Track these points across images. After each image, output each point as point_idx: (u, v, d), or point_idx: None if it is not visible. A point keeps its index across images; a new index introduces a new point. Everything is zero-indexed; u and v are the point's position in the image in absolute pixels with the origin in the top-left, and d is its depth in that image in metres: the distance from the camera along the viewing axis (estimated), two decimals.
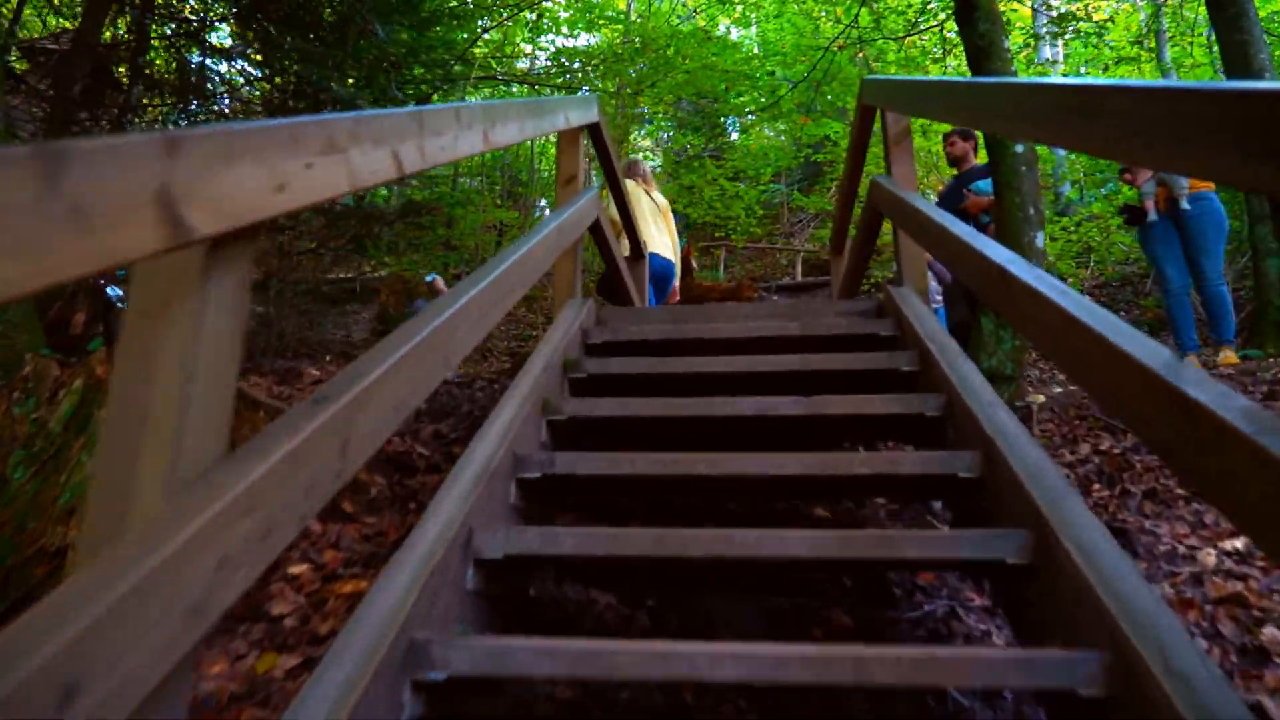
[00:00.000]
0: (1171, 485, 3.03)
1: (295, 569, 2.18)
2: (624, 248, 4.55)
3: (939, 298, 5.81)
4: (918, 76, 3.00)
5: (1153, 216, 5.23)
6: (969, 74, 5.64)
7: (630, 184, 4.88)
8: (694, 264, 6.63)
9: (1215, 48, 10.38)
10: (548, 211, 15.33)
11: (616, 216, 4.35)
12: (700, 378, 2.47)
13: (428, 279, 8.00)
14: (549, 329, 2.78)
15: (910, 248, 3.11)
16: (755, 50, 15.22)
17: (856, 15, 7.59)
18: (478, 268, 1.92)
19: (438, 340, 1.52)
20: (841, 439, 2.60)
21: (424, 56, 5.10)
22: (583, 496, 2.34)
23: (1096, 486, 3.15)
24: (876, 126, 3.82)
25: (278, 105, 5.41)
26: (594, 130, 3.59)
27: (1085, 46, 8.49)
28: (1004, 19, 4.76)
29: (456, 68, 12.44)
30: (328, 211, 4.65)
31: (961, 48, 10.76)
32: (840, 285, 4.42)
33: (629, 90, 13.03)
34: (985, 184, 5.31)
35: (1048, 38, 7.30)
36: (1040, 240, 4.41)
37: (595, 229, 3.51)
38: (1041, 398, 4.38)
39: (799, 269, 15.13)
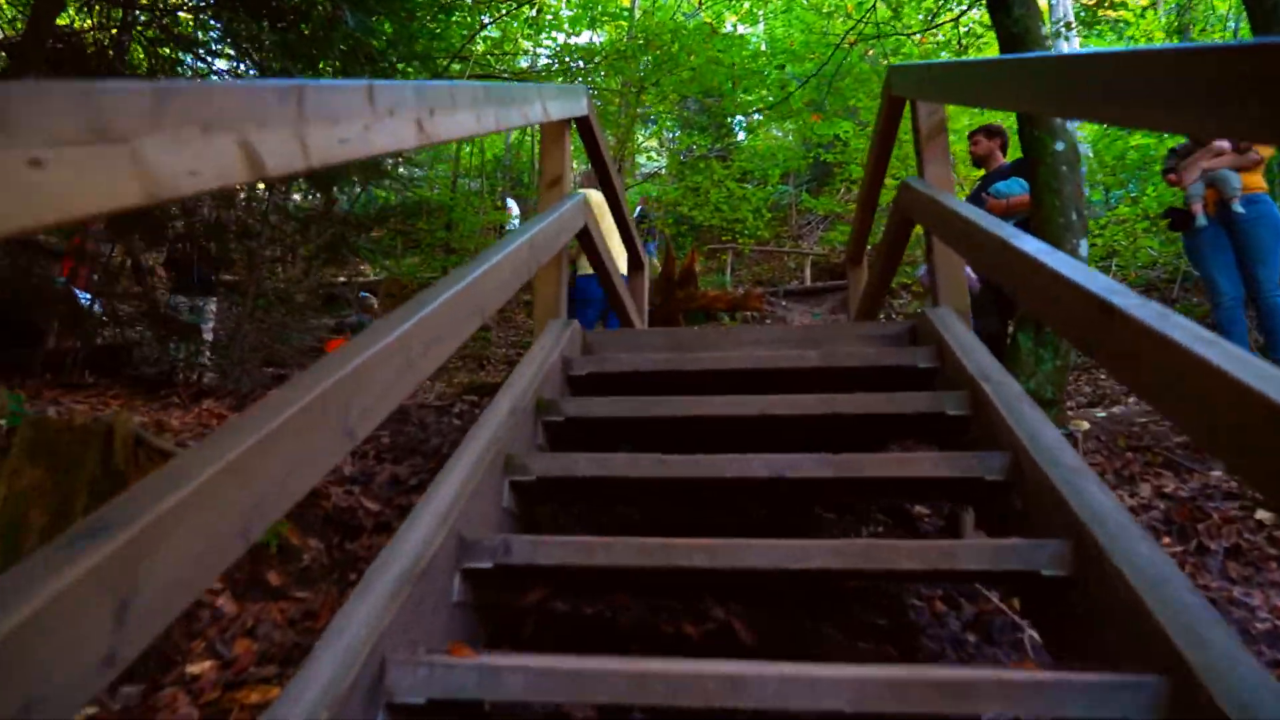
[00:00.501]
0: (1259, 542, 2.58)
1: (196, 666, 1.75)
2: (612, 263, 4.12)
3: None
4: (960, 58, 2.56)
5: (1201, 221, 4.76)
6: None
7: (596, 195, 4.62)
8: (697, 271, 6.18)
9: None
10: (513, 208, 14.74)
11: (611, 223, 3.92)
12: (702, 424, 2.03)
13: (361, 295, 7.68)
14: (525, 356, 2.35)
15: (948, 260, 2.67)
16: (763, 47, 14.76)
17: (874, 6, 7.12)
18: (411, 297, 1.49)
19: (330, 403, 1.09)
20: (877, 501, 2.16)
21: (404, 49, 4.67)
22: (550, 583, 1.90)
23: (1166, 540, 2.70)
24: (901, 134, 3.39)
25: None
26: (583, 125, 3.16)
27: (1120, 38, 8.02)
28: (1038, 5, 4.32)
29: (455, 66, 12.04)
30: (296, 217, 4.25)
31: (977, 45, 10.28)
32: (860, 302, 3.97)
33: (633, 89, 12.60)
34: (1006, 185, 4.86)
35: (1072, 29, 6.85)
36: (1084, 248, 3.97)
37: (584, 237, 3.08)
38: (1085, 424, 3.92)
39: (808, 272, 14.65)
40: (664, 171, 16.16)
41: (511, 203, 15.17)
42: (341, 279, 16.03)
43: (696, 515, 2.55)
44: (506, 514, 1.77)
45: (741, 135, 16.98)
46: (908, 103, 2.99)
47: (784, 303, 13.14)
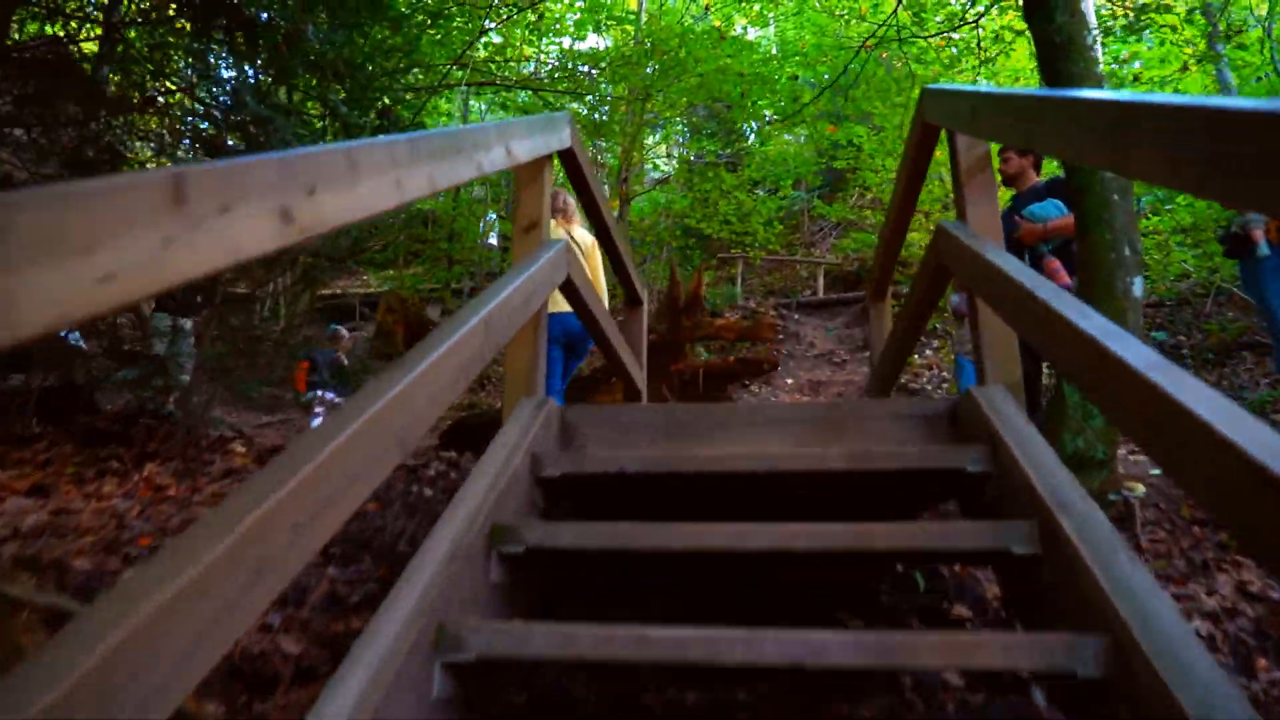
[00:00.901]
0: None
1: None
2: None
3: None
4: (1014, 89, 2.09)
5: (1264, 250, 4.29)
6: (1037, 79, 4.72)
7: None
8: (704, 296, 5.75)
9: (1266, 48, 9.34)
10: (495, 221, 14.20)
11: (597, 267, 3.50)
12: (699, 563, 1.60)
13: (330, 328, 7.05)
14: (485, 454, 1.92)
15: (995, 326, 2.22)
16: (773, 51, 14.29)
17: (896, 9, 6.64)
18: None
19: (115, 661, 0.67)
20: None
21: (380, 64, 4.26)
22: None
23: (1263, 663, 2.25)
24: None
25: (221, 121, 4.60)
26: (566, 157, 2.74)
27: (1162, 44, 7.52)
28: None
29: (456, 73, 11.65)
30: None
31: (1006, 50, 9.73)
32: (883, 354, 3.52)
33: (638, 97, 12.15)
34: (1042, 207, 4.39)
35: (1108, 33, 6.36)
36: (1138, 288, 3.52)
37: (568, 290, 2.66)
38: (1141, 487, 3.46)
39: (821, 282, 14.21)
40: (672, 180, 15.71)
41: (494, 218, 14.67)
42: (340, 291, 15.74)
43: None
44: (439, 708, 1.34)
45: (752, 138, 16.52)
46: (943, 131, 2.56)
47: (796, 316, 12.69)
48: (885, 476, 1.87)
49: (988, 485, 1.86)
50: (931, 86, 2.56)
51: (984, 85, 7.29)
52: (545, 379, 4.56)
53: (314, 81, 4.23)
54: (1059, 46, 3.78)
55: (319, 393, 6.33)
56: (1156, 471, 3.95)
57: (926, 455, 1.88)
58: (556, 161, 2.72)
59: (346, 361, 6.98)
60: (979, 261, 2.11)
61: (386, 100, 4.50)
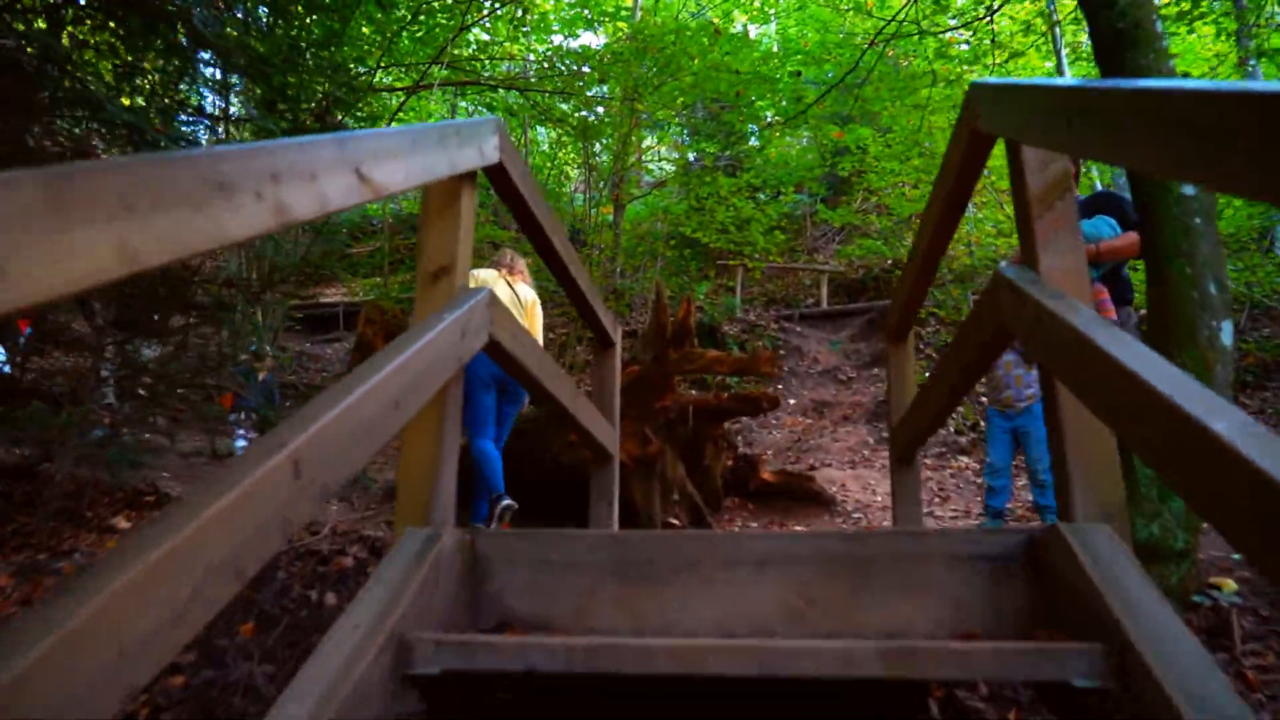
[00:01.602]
0: None
1: None
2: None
3: (1033, 389, 4.18)
4: (1122, 81, 1.51)
5: None
6: (1092, 73, 3.99)
7: (488, 274, 4.15)
8: (695, 319, 5.07)
9: None
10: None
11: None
12: None
13: (250, 348, 6.22)
14: (325, 637, 1.24)
15: (1090, 431, 1.54)
16: (774, 49, 13.58)
17: (910, 1, 5.94)
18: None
19: None
20: None
21: (313, 58, 3.57)
22: None
23: None
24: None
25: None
26: (496, 175, 2.06)
27: (1218, 34, 6.85)
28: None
29: (439, 71, 10.97)
30: (167, 276, 3.19)
31: (1037, 46, 9.02)
32: (904, 417, 2.82)
33: (630, 97, 11.45)
34: (1093, 225, 3.69)
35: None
36: (1228, 334, 2.84)
37: (497, 353, 1.98)
38: (1232, 584, 2.79)
39: (825, 291, 13.50)
40: (668, 184, 15.01)
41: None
42: (326, 299, 15.03)
43: None
44: None
45: (754, 140, 15.82)
46: (1001, 142, 1.88)
47: (798, 328, 11.98)
48: (948, 689, 1.19)
49: (1105, 706, 1.18)
50: (987, 81, 1.87)
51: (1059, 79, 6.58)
52: (480, 427, 3.93)
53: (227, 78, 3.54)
54: (1122, 34, 3.10)
55: (238, 431, 5.69)
56: (1239, 555, 3.27)
57: (1008, 659, 1.19)
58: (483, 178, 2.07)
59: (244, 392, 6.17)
60: (1071, 337, 1.42)
61: (317, 104, 3.81)
